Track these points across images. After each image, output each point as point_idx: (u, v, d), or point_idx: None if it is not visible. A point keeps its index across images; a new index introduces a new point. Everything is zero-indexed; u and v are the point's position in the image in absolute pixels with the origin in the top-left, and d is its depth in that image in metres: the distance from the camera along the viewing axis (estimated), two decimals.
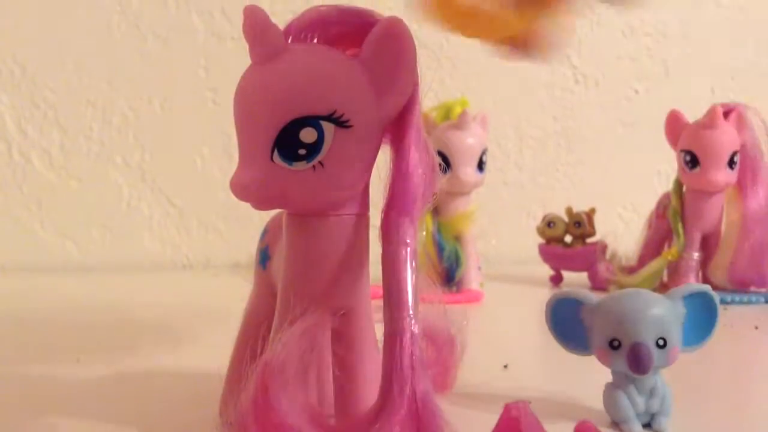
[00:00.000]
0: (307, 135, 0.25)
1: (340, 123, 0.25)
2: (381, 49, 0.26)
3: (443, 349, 0.33)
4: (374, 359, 0.28)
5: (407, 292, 0.26)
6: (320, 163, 0.25)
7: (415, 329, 0.26)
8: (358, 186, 0.27)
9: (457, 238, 0.68)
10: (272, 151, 0.25)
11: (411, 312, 0.26)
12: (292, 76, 0.25)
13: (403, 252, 0.26)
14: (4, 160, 0.91)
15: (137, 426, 0.32)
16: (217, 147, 0.91)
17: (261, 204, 0.27)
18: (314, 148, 0.25)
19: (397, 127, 0.27)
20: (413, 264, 0.26)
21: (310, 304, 0.28)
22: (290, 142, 0.25)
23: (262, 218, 1.00)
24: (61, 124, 0.91)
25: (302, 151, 0.25)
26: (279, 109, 0.25)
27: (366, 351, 0.29)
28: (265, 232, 0.32)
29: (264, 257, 0.32)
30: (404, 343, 0.25)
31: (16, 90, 0.90)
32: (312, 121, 0.25)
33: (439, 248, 0.67)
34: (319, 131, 0.25)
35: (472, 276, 0.68)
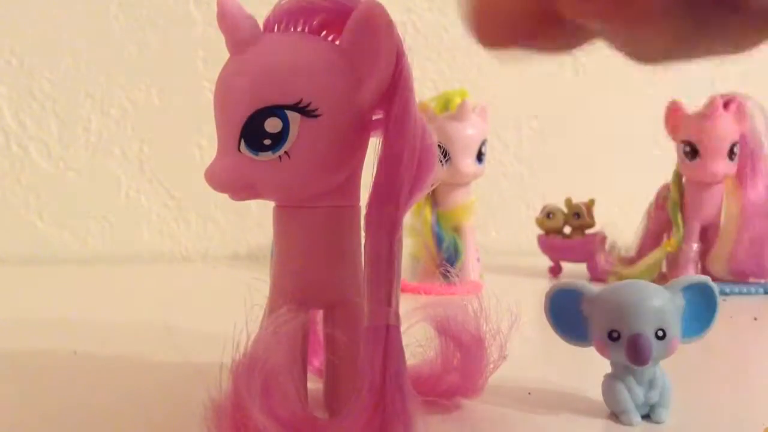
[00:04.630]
0: (272, 125, 0.24)
1: (307, 112, 0.25)
2: (358, 35, 0.26)
3: (470, 351, 0.31)
4: None
5: (385, 286, 0.25)
6: (286, 153, 0.25)
7: (393, 322, 0.25)
8: (336, 176, 0.27)
9: (456, 230, 0.68)
10: (239, 142, 0.25)
11: (389, 305, 0.25)
12: (258, 66, 0.25)
13: (384, 243, 0.25)
14: (2, 151, 0.90)
15: (135, 418, 0.32)
16: (216, 139, 0.90)
17: (233, 194, 0.26)
18: (279, 138, 0.25)
19: (384, 114, 0.27)
20: (394, 256, 0.25)
21: (293, 298, 0.27)
22: (255, 132, 0.25)
23: (260, 210, 1.00)
24: (59, 115, 0.91)
25: (267, 141, 0.25)
26: (244, 99, 0.25)
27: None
28: None
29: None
30: (378, 339, 0.25)
31: (13, 81, 0.90)
32: (276, 110, 0.24)
33: (438, 239, 0.67)
34: (284, 121, 0.24)
35: (471, 267, 0.68)
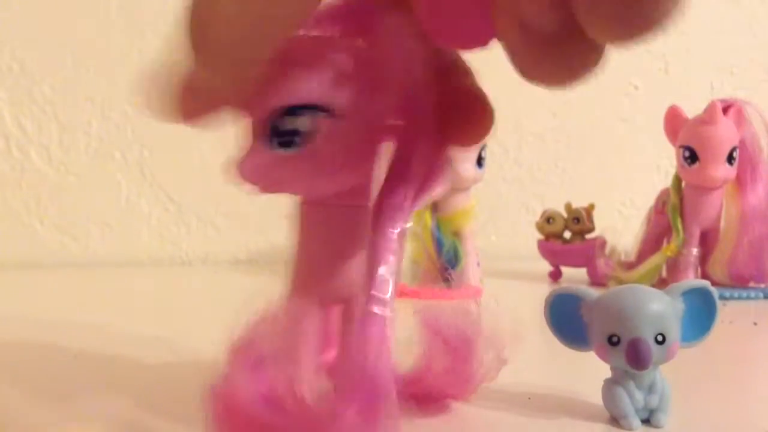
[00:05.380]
0: (301, 123, 0.25)
1: (332, 112, 0.25)
2: (379, 39, 0.26)
3: (460, 353, 0.31)
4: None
5: (380, 278, 0.26)
6: (313, 150, 0.25)
7: (386, 313, 0.25)
8: (358, 174, 0.27)
9: (456, 234, 0.68)
10: (269, 137, 0.25)
11: (382, 297, 0.25)
12: (287, 64, 0.25)
13: (386, 234, 0.26)
14: (2, 156, 0.91)
15: (135, 422, 0.32)
16: (217, 143, 0.90)
17: (262, 189, 0.27)
18: (307, 135, 0.25)
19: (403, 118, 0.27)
20: (392, 252, 0.26)
21: (313, 293, 0.28)
22: (285, 129, 0.25)
23: (261, 214, 1.00)
24: (59, 119, 0.91)
25: (296, 138, 0.25)
26: (274, 96, 0.25)
27: None
28: None
29: None
30: (368, 332, 0.25)
31: (14, 85, 0.90)
32: (305, 108, 0.25)
33: (438, 244, 0.67)
34: (312, 119, 0.25)
35: (471, 272, 0.68)
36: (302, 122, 0.25)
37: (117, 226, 0.93)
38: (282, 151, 0.25)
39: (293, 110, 0.25)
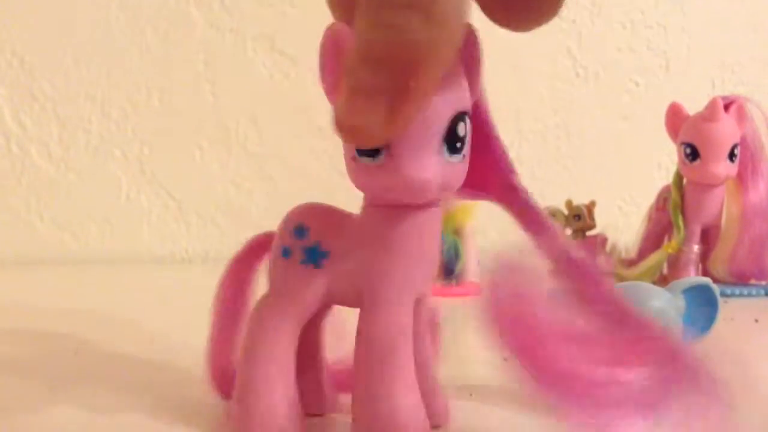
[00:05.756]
0: (462, 129, 0.27)
1: (468, 116, 0.27)
2: (463, 54, 0.27)
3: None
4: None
5: None
6: (464, 155, 0.27)
7: None
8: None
9: (457, 232, 0.67)
10: (444, 145, 0.26)
11: None
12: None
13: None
14: (2, 152, 0.91)
15: (135, 419, 0.32)
16: (217, 140, 0.91)
17: (429, 196, 0.27)
18: (465, 141, 0.27)
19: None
20: None
21: (409, 296, 0.29)
22: (452, 136, 0.26)
23: (260, 213, 1.00)
24: (59, 116, 0.91)
25: (458, 144, 0.27)
26: (446, 106, 0.26)
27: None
28: (307, 229, 0.31)
29: (316, 255, 0.30)
30: None
31: (14, 82, 0.90)
32: (464, 115, 0.27)
33: None
34: (467, 124, 0.27)
35: (472, 269, 0.68)
36: (464, 127, 0.27)
37: (117, 223, 0.93)
38: (448, 158, 0.27)
39: (457, 117, 0.26)
